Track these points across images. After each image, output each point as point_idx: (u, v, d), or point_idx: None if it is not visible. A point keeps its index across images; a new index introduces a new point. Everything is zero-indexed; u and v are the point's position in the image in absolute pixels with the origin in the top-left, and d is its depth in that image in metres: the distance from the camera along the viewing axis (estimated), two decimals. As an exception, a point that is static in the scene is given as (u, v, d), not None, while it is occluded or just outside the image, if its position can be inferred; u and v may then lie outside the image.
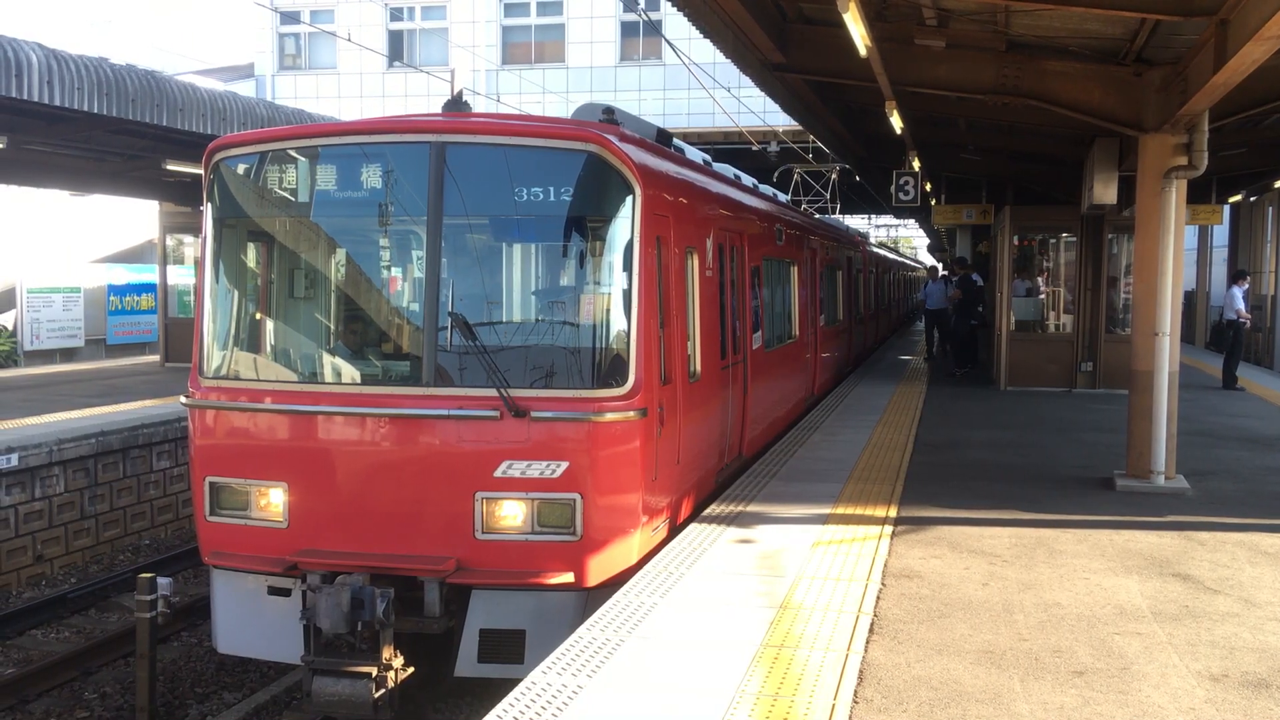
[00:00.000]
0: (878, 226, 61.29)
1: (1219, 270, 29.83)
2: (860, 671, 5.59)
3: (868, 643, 6.02)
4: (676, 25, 23.34)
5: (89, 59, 12.71)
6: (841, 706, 5.11)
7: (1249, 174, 21.01)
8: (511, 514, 7.43)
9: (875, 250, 33.11)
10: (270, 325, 8.36)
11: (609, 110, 9.01)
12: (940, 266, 38.90)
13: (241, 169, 8.17)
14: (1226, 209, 25.38)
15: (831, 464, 11.23)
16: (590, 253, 7.76)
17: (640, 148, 8.29)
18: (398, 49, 39.46)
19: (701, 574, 7.22)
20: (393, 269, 8.42)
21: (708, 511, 9.01)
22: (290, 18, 39.35)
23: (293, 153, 8.05)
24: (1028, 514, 9.18)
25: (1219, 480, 10.71)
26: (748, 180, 14.33)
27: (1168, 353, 10.17)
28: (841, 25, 8.93)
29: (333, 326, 8.33)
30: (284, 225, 8.25)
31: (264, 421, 7.87)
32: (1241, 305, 19.08)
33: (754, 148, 26.57)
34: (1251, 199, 27.20)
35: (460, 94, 9.67)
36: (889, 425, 14.07)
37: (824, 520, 8.78)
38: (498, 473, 7.35)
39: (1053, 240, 20.03)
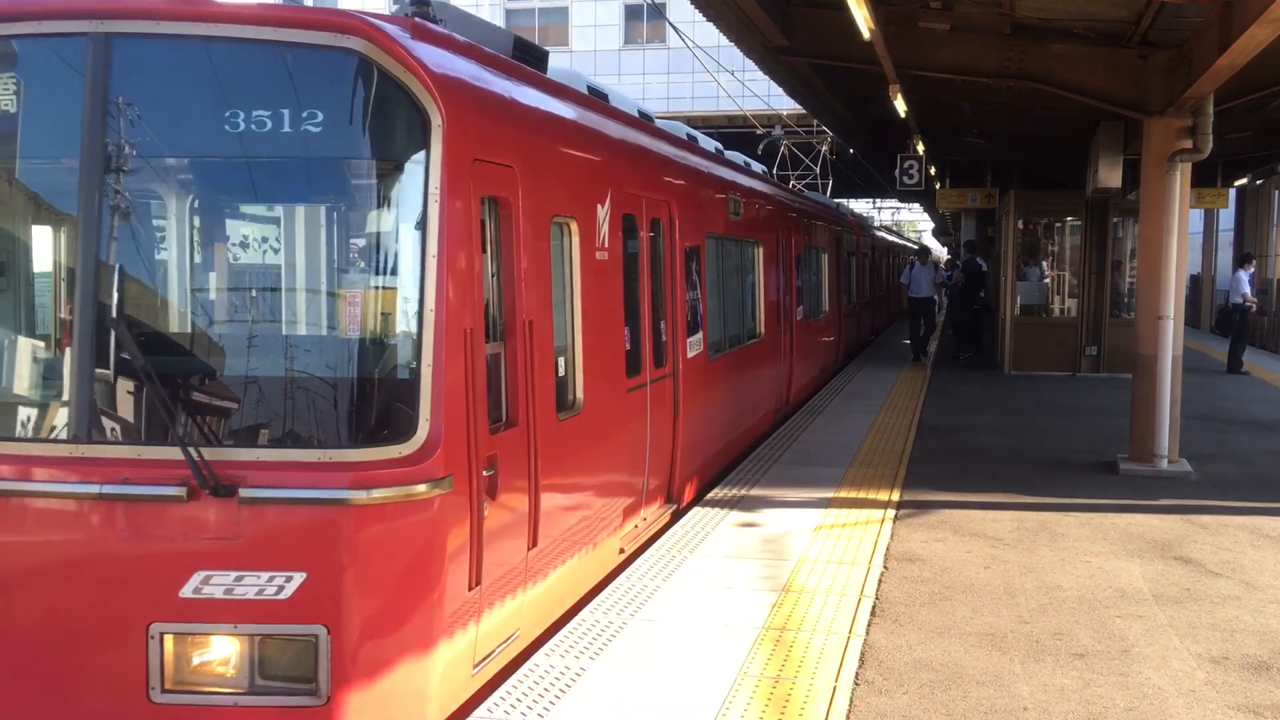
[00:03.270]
0: (881, 209, 61.12)
1: (1225, 254, 29.75)
2: (862, 654, 5.61)
3: (869, 625, 6.04)
4: (680, 9, 23.29)
5: None
6: (843, 689, 5.14)
7: (1255, 157, 20.96)
8: (214, 658, 4.64)
9: (873, 232, 30.29)
10: None
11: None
12: (945, 250, 38.42)
13: None
14: (1232, 192, 25.32)
15: (835, 448, 11.25)
16: (352, 220, 5.08)
17: (458, 54, 5.35)
18: (401, 33, 39.27)
19: (704, 557, 7.24)
20: (25, 246, 5.13)
21: (711, 495, 9.03)
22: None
23: None
24: (1030, 497, 9.19)
25: (1222, 464, 10.71)
26: (710, 145, 11.77)
27: (1171, 337, 10.17)
28: (845, 8, 8.91)
29: None
30: None
31: None
32: (1247, 289, 19.05)
33: (758, 131, 26.50)
34: (1258, 182, 27.13)
35: None
36: (892, 409, 14.08)
37: (827, 504, 8.80)
38: (188, 590, 4.54)
39: (1057, 224, 19.98)
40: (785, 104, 23.99)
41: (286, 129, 4.73)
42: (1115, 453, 10.83)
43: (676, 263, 8.76)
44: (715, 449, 10.12)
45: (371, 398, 4.82)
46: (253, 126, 4.72)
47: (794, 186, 21.92)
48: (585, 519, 6.61)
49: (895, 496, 9.12)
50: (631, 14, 37.93)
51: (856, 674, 5.35)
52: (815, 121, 22.72)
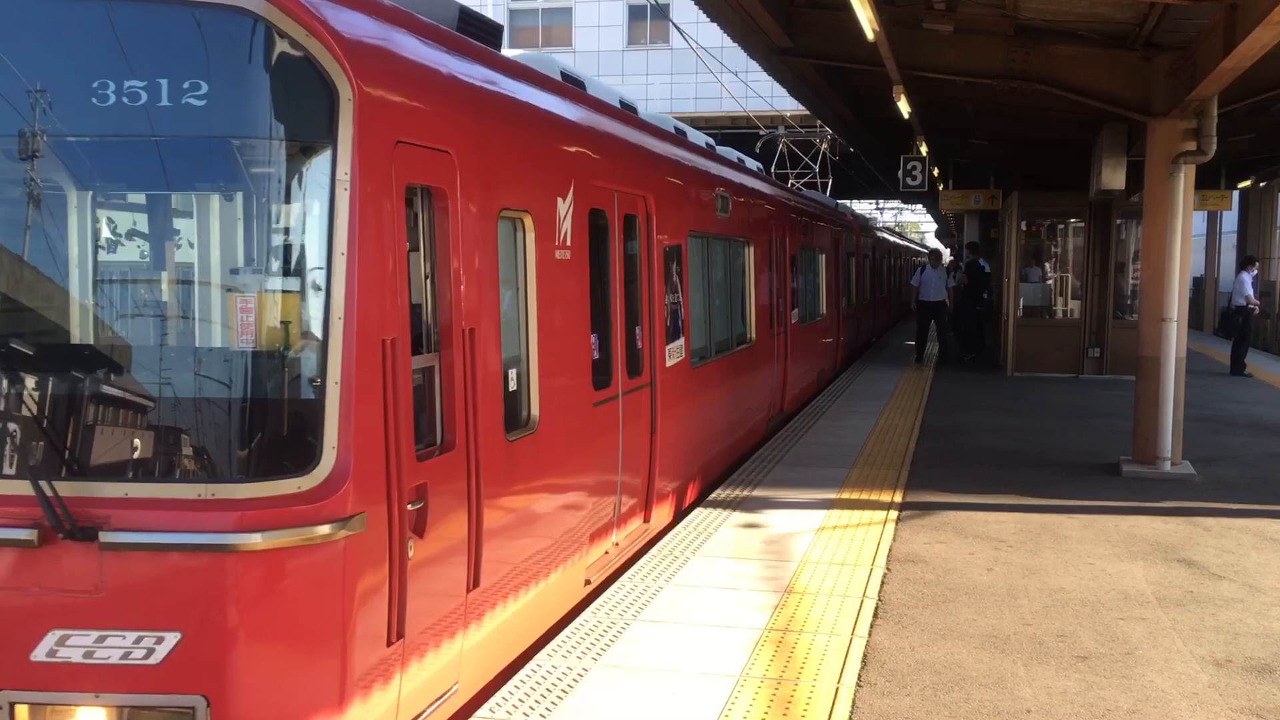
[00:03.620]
0: (883, 209, 61.08)
1: (1228, 256, 29.76)
2: (864, 655, 5.61)
3: (872, 627, 6.04)
4: (684, 9, 23.30)
5: None
6: (845, 690, 5.13)
7: (1259, 159, 20.94)
8: None
9: (875, 232, 29.62)
10: None
11: None
12: (947, 252, 38.21)
13: None
14: (1236, 195, 25.29)
15: (837, 449, 11.24)
16: (243, 211, 4.28)
17: (379, 20, 4.62)
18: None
19: (705, 558, 7.23)
20: None
21: (713, 496, 9.02)
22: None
23: None
24: (1033, 499, 9.18)
25: (1225, 466, 10.70)
26: (700, 139, 11.12)
27: (1175, 339, 10.16)
28: (849, 9, 8.90)
29: None
30: None
31: None
32: (1250, 291, 19.04)
33: (761, 132, 26.50)
34: (1261, 184, 27.10)
35: None
36: (895, 411, 14.07)
37: (829, 505, 8.79)
38: (40, 652, 3.89)
39: (1061, 226, 19.97)
40: (789, 105, 23.98)
41: (164, 102, 3.97)
42: (1118, 455, 10.82)
43: (654, 263, 7.99)
44: (699, 464, 9.42)
45: (264, 421, 4.05)
46: (124, 99, 3.99)
47: (793, 185, 20.97)
48: (543, 551, 5.85)
49: (898, 498, 9.11)
50: (635, 14, 37.98)
51: (859, 676, 5.34)
52: (818, 121, 22.70)
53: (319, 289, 4.06)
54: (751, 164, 13.99)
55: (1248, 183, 25.81)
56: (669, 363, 8.39)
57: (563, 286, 6.23)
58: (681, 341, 8.83)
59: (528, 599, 5.69)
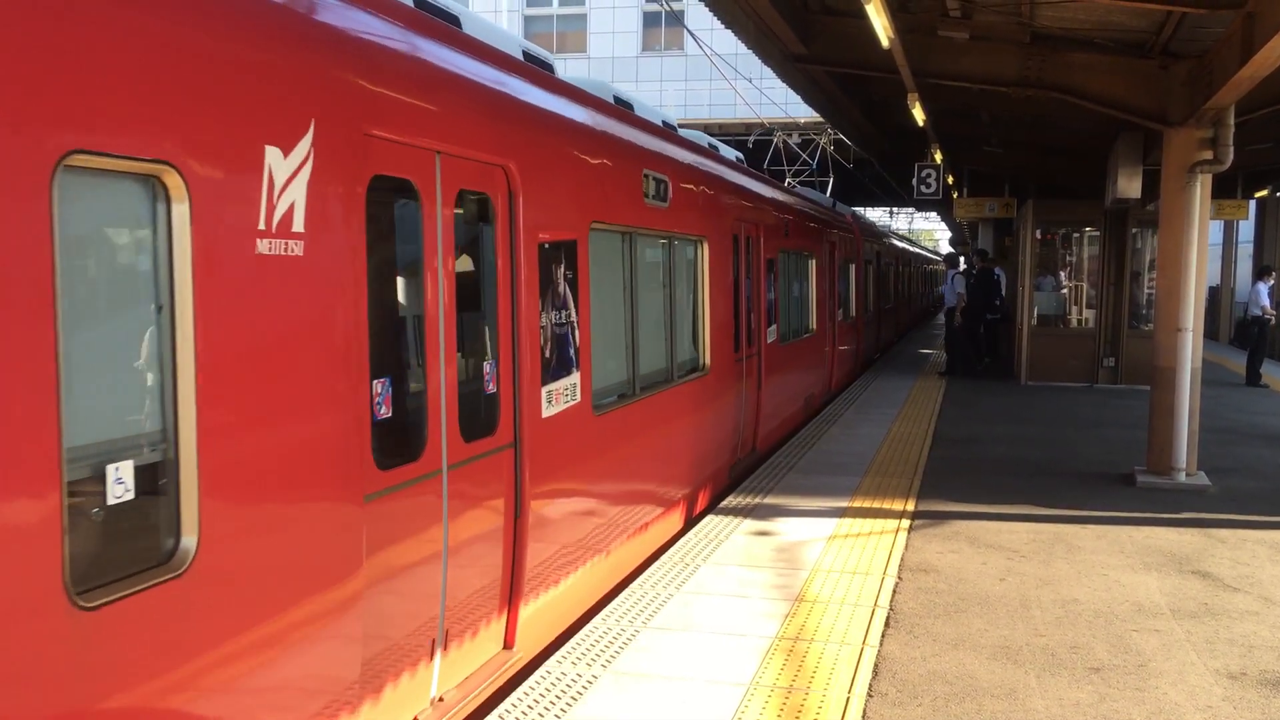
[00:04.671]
0: (896, 215, 60.97)
1: (1244, 266, 29.57)
2: (876, 665, 5.58)
3: (883, 636, 6.01)
4: (698, 15, 23.32)
5: None
6: (856, 700, 5.10)
7: (1276, 169, 20.81)
8: None
9: (882, 238, 26.74)
10: None
11: None
12: (962, 260, 37.99)
13: None
14: (1253, 204, 25.16)
15: (849, 457, 11.21)
16: None
17: None
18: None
19: (717, 565, 7.21)
20: None
21: (724, 504, 9.00)
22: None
23: None
24: (1046, 509, 9.14)
25: (1240, 478, 10.62)
26: (659, 119, 9.21)
27: (1190, 349, 10.10)
28: (864, 16, 8.89)
29: None
30: None
31: None
32: (1266, 301, 18.92)
33: (774, 138, 26.48)
34: (1278, 194, 26.95)
35: None
36: (907, 419, 14.02)
37: (841, 513, 8.76)
38: None
39: (1076, 234, 19.90)
40: (803, 111, 23.94)
41: None
42: (1133, 465, 10.76)
43: (522, 266, 5.56)
44: (614, 549, 7.09)
45: None
46: None
47: (789, 184, 18.76)
48: None
49: (910, 506, 9.07)
50: (649, 21, 38.03)
51: (870, 685, 5.31)
52: (825, 122, 22.63)
53: None
54: (729, 153, 11.81)
55: (1265, 192, 25.64)
56: (549, 411, 5.95)
57: (277, 302, 3.72)
58: (575, 378, 6.33)
59: None
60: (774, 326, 12.23)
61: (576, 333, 6.44)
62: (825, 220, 16.54)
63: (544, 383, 5.91)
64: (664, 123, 9.38)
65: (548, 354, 5.99)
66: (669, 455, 8.38)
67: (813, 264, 15.13)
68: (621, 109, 7.91)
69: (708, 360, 9.52)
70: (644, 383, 7.90)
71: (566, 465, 6.24)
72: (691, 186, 9.01)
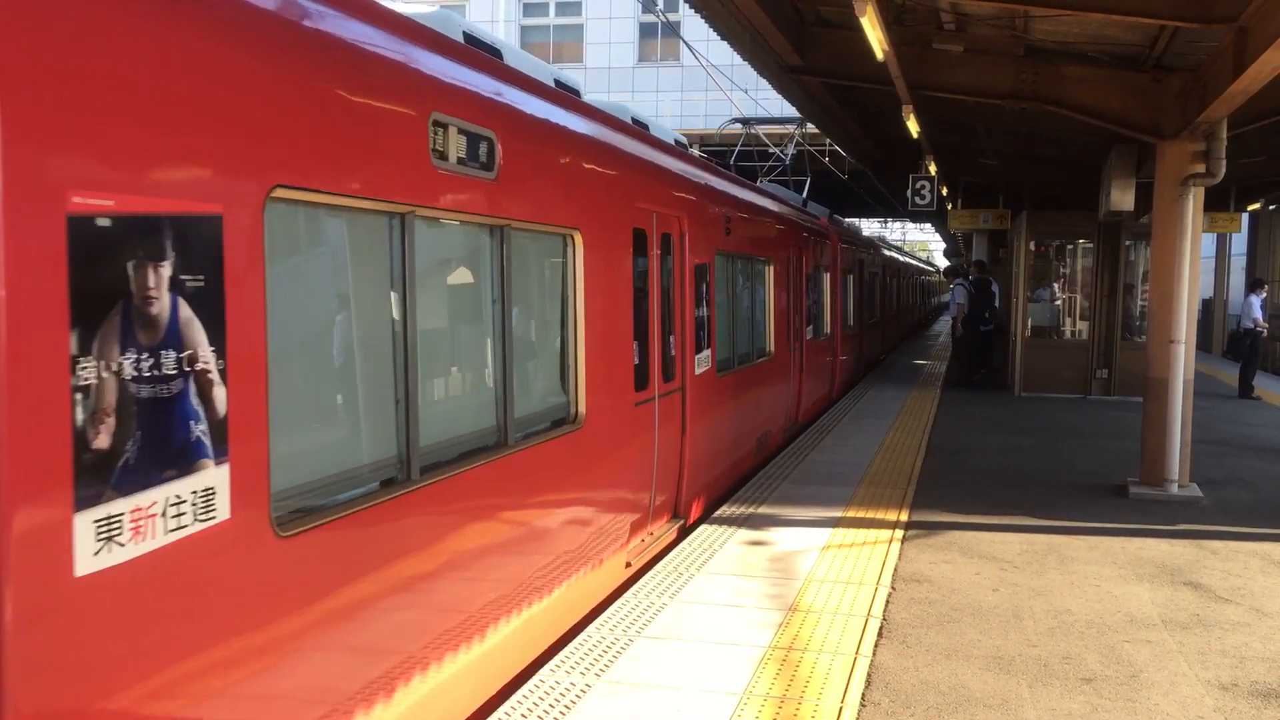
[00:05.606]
0: (889, 226, 61.12)
1: (1237, 278, 29.66)
2: (868, 675, 5.59)
3: (876, 646, 6.02)
4: (694, 27, 23.35)
5: None
6: (849, 710, 5.11)
7: (1269, 182, 20.93)
8: None
9: (867, 245, 24.32)
10: None
11: None
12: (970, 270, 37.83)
13: None
14: (1246, 217, 25.26)
15: (843, 467, 11.22)
16: None
17: None
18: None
19: (711, 575, 7.22)
20: None
21: (719, 513, 9.01)
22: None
23: None
24: (1039, 520, 9.16)
25: (1233, 489, 10.65)
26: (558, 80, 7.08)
27: (1183, 361, 10.14)
28: (859, 29, 8.93)
29: None
30: None
31: None
32: (1259, 314, 19.00)
33: (770, 150, 26.55)
34: (1271, 207, 27.07)
35: None
36: (901, 430, 14.05)
37: (835, 523, 8.78)
38: None
39: (1070, 246, 19.97)
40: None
41: None
42: (1125, 476, 10.79)
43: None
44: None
45: None
46: None
47: (761, 183, 16.85)
48: None
49: (904, 517, 9.09)
50: (646, 31, 38.14)
51: (863, 695, 5.32)
52: (827, 140, 22.68)
53: None
54: (670, 137, 9.55)
55: (1257, 205, 25.78)
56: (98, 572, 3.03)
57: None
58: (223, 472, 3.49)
59: None
60: (706, 352, 9.54)
61: (225, 394, 3.57)
62: (790, 220, 13.95)
63: (82, 510, 3.06)
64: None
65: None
66: (561, 531, 6.32)
67: (770, 271, 12.56)
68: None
69: (581, 410, 6.62)
70: (488, 441, 5.54)
71: (379, 567, 4.39)
72: (548, 153, 6.13)
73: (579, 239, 6.63)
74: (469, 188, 5.17)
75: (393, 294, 4.69)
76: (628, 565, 7.60)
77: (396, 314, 4.71)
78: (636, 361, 7.66)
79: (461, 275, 5.60)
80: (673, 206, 8.62)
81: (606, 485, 7.08)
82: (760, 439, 12.03)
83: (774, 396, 12.71)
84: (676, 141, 9.70)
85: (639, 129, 8.44)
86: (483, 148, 5.29)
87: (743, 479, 11.18)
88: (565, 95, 6.81)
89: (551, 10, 39.12)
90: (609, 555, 7.17)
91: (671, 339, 8.62)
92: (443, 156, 4.91)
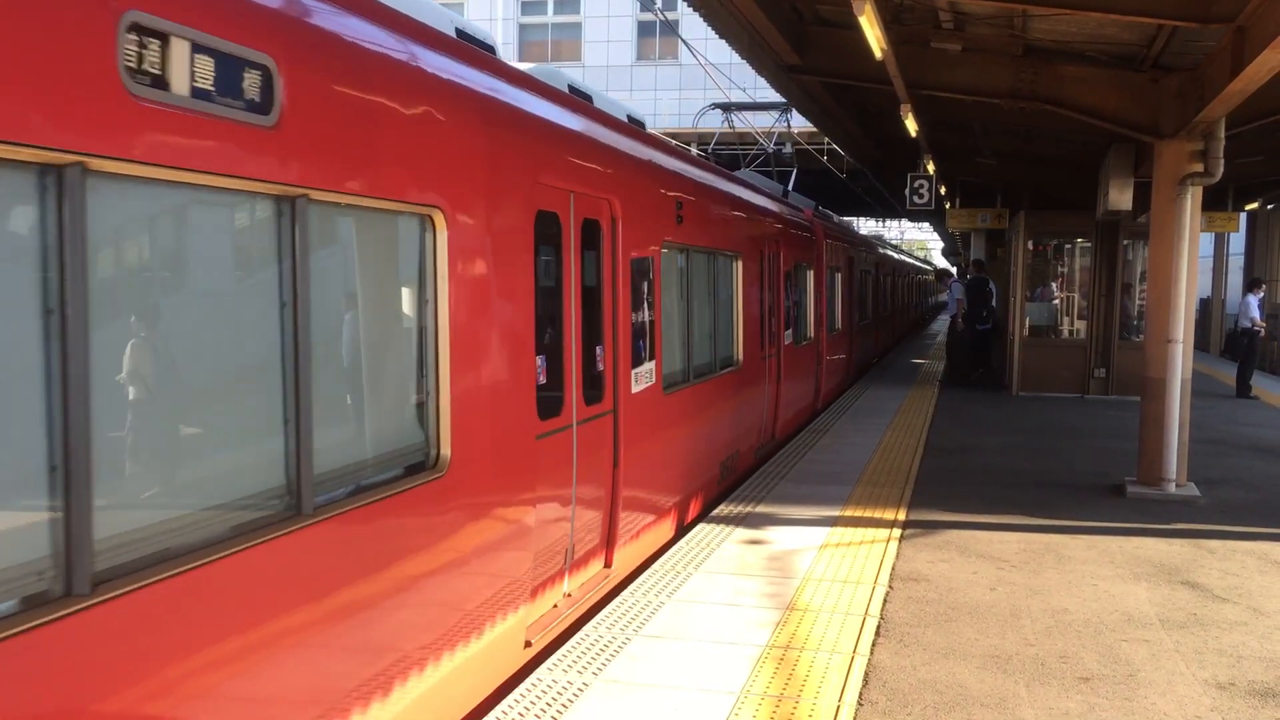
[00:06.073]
0: (887, 225, 61.12)
1: (1235, 278, 29.69)
2: (866, 674, 5.59)
3: (874, 645, 6.02)
4: (693, 25, 23.35)
5: None
6: (846, 708, 5.12)
7: (1266, 181, 20.95)
8: None
9: (859, 242, 23.09)
10: None
11: None
12: (954, 271, 38.04)
13: None
14: (1243, 216, 25.29)
15: (841, 466, 11.23)
16: None
17: None
18: (415, 46, 39.54)
19: (708, 574, 7.22)
20: None
21: (716, 512, 9.01)
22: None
23: None
24: (1037, 519, 9.16)
25: (1230, 489, 10.66)
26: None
27: (1180, 360, 10.14)
28: (858, 27, 8.93)
29: None
30: None
31: None
32: (1256, 313, 19.01)
33: (770, 149, 26.53)
34: (1269, 206, 27.10)
35: None
36: (899, 429, 14.05)
37: (832, 522, 8.78)
38: None
39: (1068, 245, 19.98)
40: (797, 121, 23.98)
41: None
42: (1123, 475, 10.80)
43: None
44: None
45: None
46: None
47: (740, 172, 15.22)
48: None
49: (901, 516, 9.09)
50: (644, 30, 38.13)
51: (860, 694, 5.32)
52: (825, 139, 22.68)
53: None
54: (621, 113, 8.26)
55: (1255, 205, 25.81)
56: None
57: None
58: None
59: None
60: (648, 365, 7.96)
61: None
62: (765, 210, 12.48)
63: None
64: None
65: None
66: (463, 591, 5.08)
67: (738, 268, 11.02)
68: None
69: (443, 449, 4.94)
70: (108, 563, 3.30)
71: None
72: (389, 102, 4.46)
73: (440, 221, 4.90)
74: (220, 135, 3.49)
75: (40, 296, 2.93)
76: (527, 645, 5.87)
77: (54, 331, 2.94)
78: (542, 381, 6.04)
79: (214, 265, 3.79)
80: (601, 187, 6.96)
81: (490, 549, 5.32)
82: (725, 463, 10.38)
83: (743, 413, 11.11)
84: (630, 118, 8.35)
85: (569, 96, 6.91)
86: (248, 78, 3.63)
87: (706, 508, 9.81)
88: (433, 32, 5.09)
89: (550, 9, 39.10)
90: (491, 637, 5.39)
91: (599, 350, 7.03)
92: (156, 83, 3.21)
